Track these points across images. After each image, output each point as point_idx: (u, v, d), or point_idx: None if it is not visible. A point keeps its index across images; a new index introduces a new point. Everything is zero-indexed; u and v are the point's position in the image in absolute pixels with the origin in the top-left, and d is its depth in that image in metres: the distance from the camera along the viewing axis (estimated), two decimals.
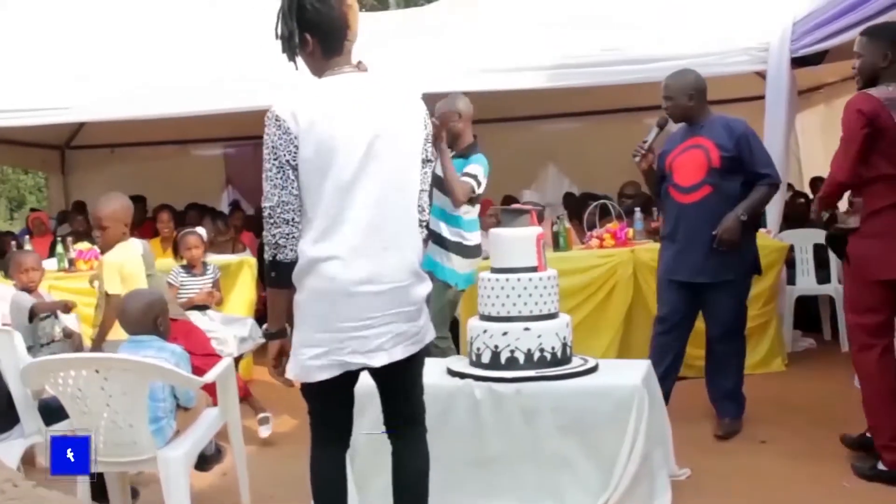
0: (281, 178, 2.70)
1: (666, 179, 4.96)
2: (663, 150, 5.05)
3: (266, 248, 2.77)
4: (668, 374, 4.97)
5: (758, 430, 4.93)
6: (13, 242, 7.81)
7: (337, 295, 2.75)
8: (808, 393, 5.69)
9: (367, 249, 2.76)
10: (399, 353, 2.84)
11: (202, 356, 4.57)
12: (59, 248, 7.13)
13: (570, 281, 5.94)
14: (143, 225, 9.02)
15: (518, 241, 3.98)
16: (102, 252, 4.84)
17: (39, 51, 7.62)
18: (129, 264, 4.61)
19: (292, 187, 2.71)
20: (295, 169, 2.71)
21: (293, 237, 2.73)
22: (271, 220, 2.72)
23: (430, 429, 3.10)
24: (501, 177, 9.70)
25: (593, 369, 3.94)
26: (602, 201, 6.80)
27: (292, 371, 2.83)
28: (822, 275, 7.10)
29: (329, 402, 2.91)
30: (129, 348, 3.75)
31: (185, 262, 6.18)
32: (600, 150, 9.74)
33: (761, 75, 7.13)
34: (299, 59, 2.86)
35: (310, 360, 2.78)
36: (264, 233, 2.76)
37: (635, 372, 3.93)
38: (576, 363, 3.98)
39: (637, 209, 6.69)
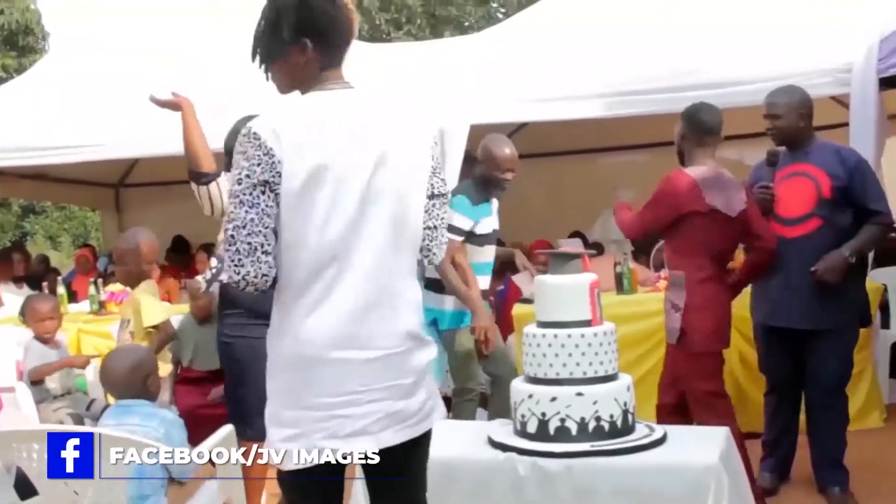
0: (250, 196, 2.17)
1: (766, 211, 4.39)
2: (754, 177, 4.49)
3: (228, 278, 2.21)
4: (780, 440, 4.47)
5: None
6: (44, 284, 7.54)
7: (312, 362, 2.21)
8: None
9: (355, 306, 2.23)
10: (389, 439, 2.27)
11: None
12: (92, 290, 6.84)
13: (633, 328, 5.43)
14: (187, 267, 8.72)
15: (568, 290, 3.42)
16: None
17: (88, 87, 7.58)
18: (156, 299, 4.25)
19: (266, 206, 2.17)
20: (273, 192, 2.18)
21: (258, 271, 2.17)
22: (232, 246, 2.17)
23: None
24: (563, 214, 9.28)
25: (661, 441, 3.34)
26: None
27: (269, 453, 2.29)
28: None
29: (308, 497, 2.36)
30: (115, 414, 3.32)
31: None
32: None
33: (837, 100, 6.54)
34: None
35: (281, 443, 2.25)
36: (224, 261, 2.22)
37: (712, 444, 3.31)
38: (639, 433, 3.39)
39: None
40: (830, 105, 6.79)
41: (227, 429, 3.53)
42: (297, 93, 2.37)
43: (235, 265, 2.17)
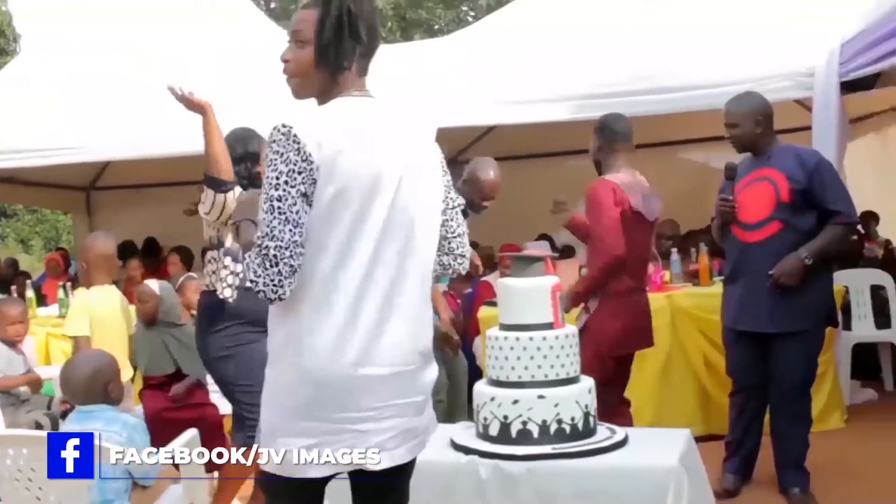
0: (296, 213, 2.11)
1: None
2: (723, 185, 4.54)
3: (258, 293, 2.15)
4: (743, 441, 4.51)
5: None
6: (12, 287, 7.48)
7: (331, 377, 2.18)
8: (872, 455, 5.06)
9: (369, 322, 2.20)
10: (402, 455, 2.27)
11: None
12: (61, 293, 6.81)
13: None
14: (158, 269, 8.67)
15: (530, 293, 3.44)
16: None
17: (60, 90, 7.52)
18: (100, 308, 4.19)
19: (299, 216, 2.12)
20: (310, 204, 2.15)
21: (292, 288, 2.13)
22: (274, 267, 2.10)
23: None
24: (532, 217, 9.29)
25: (622, 443, 3.37)
26: None
27: (272, 463, 2.24)
28: (882, 320, 6.47)
29: (292, 499, 2.34)
30: (78, 420, 3.30)
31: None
32: None
33: (801, 104, 6.61)
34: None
35: (301, 453, 2.21)
36: (256, 277, 2.13)
37: (673, 446, 3.34)
38: (601, 435, 3.42)
39: (674, 251, 6.12)
40: (794, 108, 6.85)
41: (191, 432, 3.53)
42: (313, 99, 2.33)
43: (275, 285, 2.11)
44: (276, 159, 2.14)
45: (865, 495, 4.46)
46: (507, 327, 3.46)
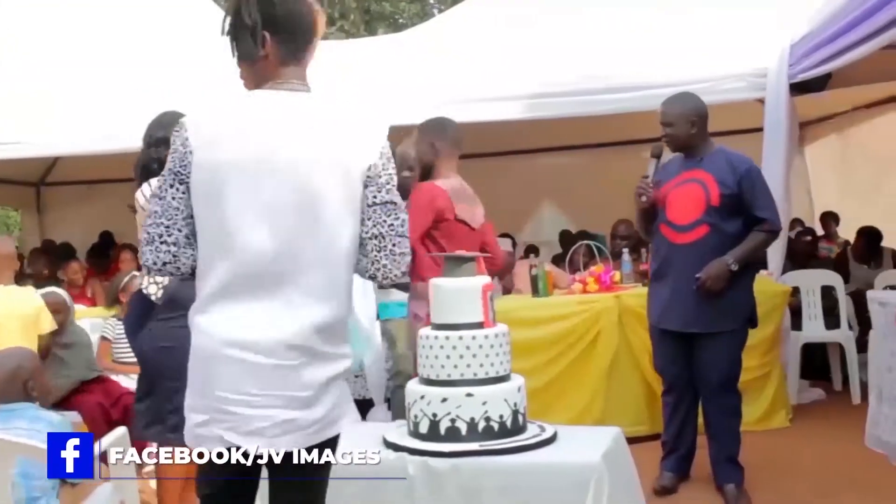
0: (160, 188, 2.28)
1: (657, 215, 4.48)
2: (655, 181, 4.57)
3: (146, 266, 2.34)
4: (678, 439, 4.54)
5: (754, 501, 4.36)
6: None
7: (214, 357, 2.24)
8: (813, 454, 5.12)
9: (252, 309, 2.22)
10: (284, 444, 2.26)
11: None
12: None
13: (547, 330, 5.49)
14: (108, 268, 8.62)
15: (461, 292, 3.45)
16: None
17: (8, 84, 7.32)
18: None
19: (173, 198, 2.26)
20: (183, 184, 2.25)
21: (157, 259, 2.28)
22: (150, 245, 2.30)
23: None
24: (494, 215, 9.32)
25: (549, 441, 3.40)
26: (586, 242, 6.30)
27: (186, 437, 2.34)
28: (832, 320, 6.54)
29: (219, 493, 2.39)
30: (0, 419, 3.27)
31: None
32: (599, 184, 9.27)
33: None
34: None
35: (195, 428, 2.28)
36: (142, 253, 2.34)
37: (598, 443, 3.38)
38: (530, 433, 3.44)
39: (625, 250, 6.17)
40: (760, 109, 6.86)
41: (121, 430, 3.54)
42: None
43: (141, 252, 2.32)
44: (170, 150, 2.30)
45: (802, 492, 4.51)
46: (438, 326, 3.47)
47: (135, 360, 4.56)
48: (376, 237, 2.34)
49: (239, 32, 2.32)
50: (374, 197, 2.34)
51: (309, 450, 2.32)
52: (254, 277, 2.23)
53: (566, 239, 8.62)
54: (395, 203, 2.36)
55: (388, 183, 2.35)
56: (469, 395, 3.35)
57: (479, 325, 3.42)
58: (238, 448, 2.26)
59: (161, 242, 2.27)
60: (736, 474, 4.39)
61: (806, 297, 6.58)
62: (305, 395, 2.27)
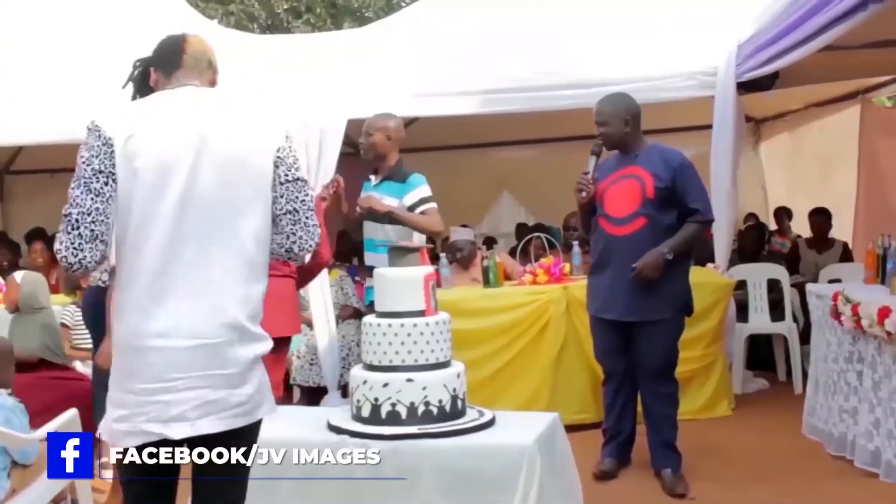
0: (97, 184, 2.32)
1: (596, 210, 4.62)
2: (594, 178, 4.69)
3: (60, 259, 2.32)
4: (618, 426, 4.68)
5: (691, 486, 4.49)
6: None
7: (135, 348, 2.34)
8: (751, 441, 5.28)
9: (172, 295, 2.33)
10: (207, 426, 2.35)
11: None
12: None
13: (496, 320, 5.61)
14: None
15: (404, 281, 3.58)
16: None
17: None
18: None
19: (109, 196, 2.33)
20: (111, 181, 2.33)
21: (94, 257, 2.31)
22: (75, 230, 2.29)
23: (297, 490, 2.66)
24: (454, 207, 9.46)
25: (486, 425, 3.54)
26: (537, 234, 6.43)
27: (103, 432, 2.42)
28: (778, 313, 6.71)
29: (140, 487, 2.46)
30: None
31: None
32: (556, 178, 9.39)
33: None
34: None
35: (114, 423, 2.37)
36: (59, 244, 2.31)
37: (534, 428, 3.52)
38: (468, 417, 3.58)
39: (576, 243, 6.31)
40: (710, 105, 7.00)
41: (71, 412, 3.61)
42: None
43: (75, 248, 2.28)
44: (83, 150, 2.37)
45: (738, 477, 4.66)
46: (381, 314, 3.60)
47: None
48: (290, 212, 2.50)
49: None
50: (286, 175, 2.50)
51: (232, 433, 2.40)
52: (181, 268, 2.34)
53: (522, 231, 8.76)
54: (304, 180, 2.56)
55: (294, 162, 2.54)
56: (409, 380, 3.48)
57: (421, 314, 3.55)
58: (159, 444, 2.33)
59: (101, 241, 2.32)
60: (673, 460, 4.54)
61: (752, 290, 6.74)
62: (230, 372, 2.37)
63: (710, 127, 6.43)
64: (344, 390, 6.33)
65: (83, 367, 5.62)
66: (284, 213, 2.50)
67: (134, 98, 2.63)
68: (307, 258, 2.70)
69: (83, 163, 2.34)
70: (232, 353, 2.38)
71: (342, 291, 6.49)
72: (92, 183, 2.31)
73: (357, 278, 6.72)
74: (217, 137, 2.40)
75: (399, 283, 3.59)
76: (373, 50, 7.19)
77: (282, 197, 2.49)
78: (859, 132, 8.10)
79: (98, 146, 2.34)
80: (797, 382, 6.43)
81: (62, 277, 7.67)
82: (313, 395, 6.25)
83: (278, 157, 2.49)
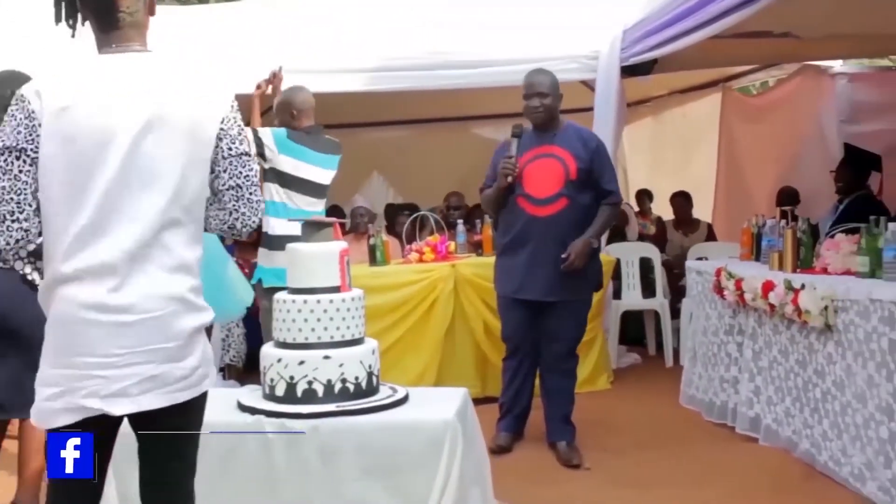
0: (4, 163, 2.22)
1: (513, 189, 4.59)
2: (502, 145, 4.76)
3: None
4: (515, 401, 4.75)
5: (583, 455, 4.64)
6: None
7: (74, 322, 2.22)
8: (633, 412, 5.51)
9: (110, 268, 2.22)
10: (149, 402, 2.26)
11: None
12: None
13: (385, 298, 5.60)
14: None
15: (318, 257, 3.52)
16: None
17: None
18: None
19: (20, 172, 2.22)
20: (29, 157, 2.22)
21: (9, 238, 2.24)
22: None
23: (214, 473, 2.57)
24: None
25: (402, 401, 3.52)
26: (420, 213, 6.45)
27: (33, 414, 2.30)
28: (648, 290, 6.97)
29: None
30: None
31: None
32: (426, 159, 9.49)
33: (587, 85, 6.97)
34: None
35: (45, 402, 2.25)
36: None
37: (449, 403, 3.53)
38: (383, 394, 3.55)
39: (460, 222, 6.36)
40: (581, 90, 7.17)
41: None
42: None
43: None
44: (7, 120, 2.25)
45: (624, 445, 4.85)
46: (294, 290, 3.52)
47: None
48: (233, 188, 2.42)
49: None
50: (230, 149, 2.41)
51: (176, 408, 2.32)
52: (119, 241, 2.23)
53: (391, 211, 8.77)
54: (249, 154, 2.47)
55: (239, 134, 2.44)
56: (326, 357, 3.42)
57: (336, 290, 3.50)
58: (95, 420, 2.23)
59: (13, 221, 2.23)
60: (568, 433, 4.67)
61: (626, 269, 6.98)
62: (172, 345, 2.29)
63: (588, 110, 6.61)
64: (224, 372, 6.21)
65: None
66: (227, 189, 2.42)
67: (73, 36, 2.41)
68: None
69: (2, 137, 2.23)
70: (174, 326, 2.29)
71: None
72: (7, 164, 2.22)
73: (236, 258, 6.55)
74: (160, 108, 2.29)
75: (314, 258, 3.52)
76: (250, 24, 7.02)
77: (225, 172, 2.41)
78: (720, 119, 8.48)
79: (20, 119, 2.22)
80: (668, 356, 6.71)
81: None
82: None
83: (222, 128, 2.39)
